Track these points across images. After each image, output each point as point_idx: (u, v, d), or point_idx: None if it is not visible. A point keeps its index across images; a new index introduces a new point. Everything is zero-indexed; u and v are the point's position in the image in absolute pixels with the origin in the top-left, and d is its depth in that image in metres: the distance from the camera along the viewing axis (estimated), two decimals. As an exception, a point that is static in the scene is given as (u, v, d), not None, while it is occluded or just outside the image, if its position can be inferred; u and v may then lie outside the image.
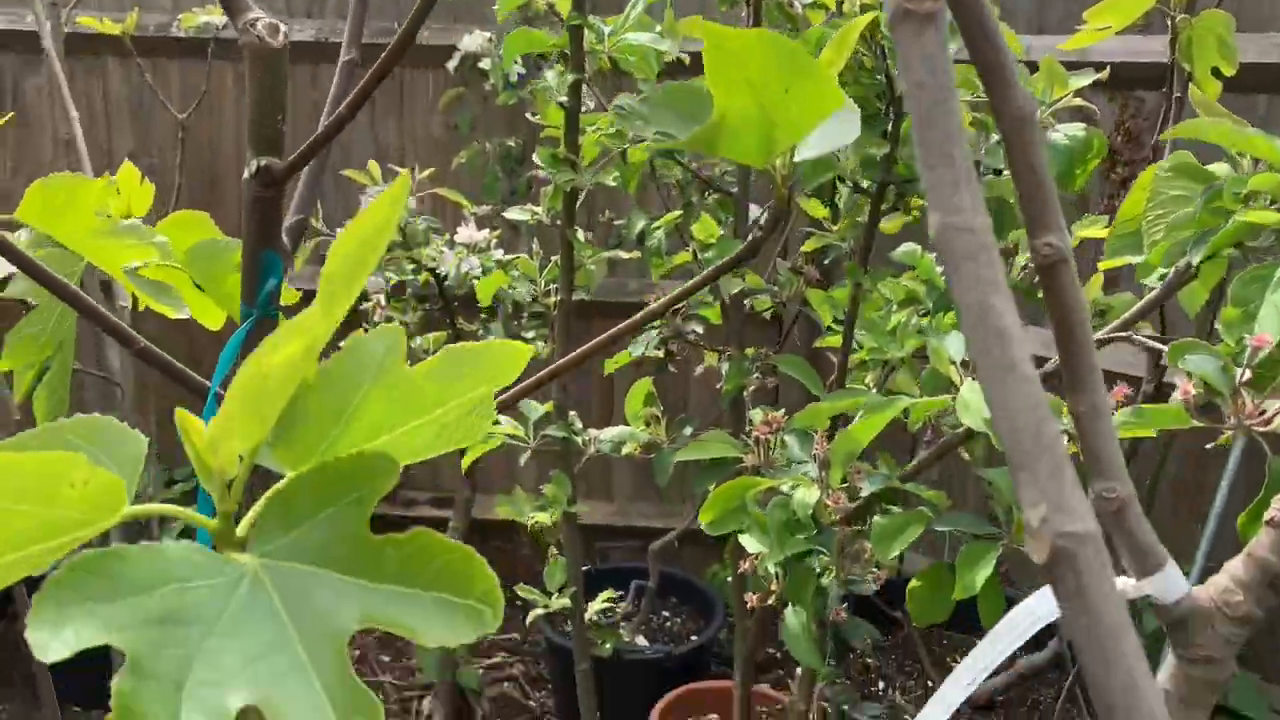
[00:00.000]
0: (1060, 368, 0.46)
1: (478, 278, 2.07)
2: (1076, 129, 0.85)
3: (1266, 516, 0.48)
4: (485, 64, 2.42)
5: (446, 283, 2.18)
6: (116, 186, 0.94)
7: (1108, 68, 1.14)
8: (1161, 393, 1.40)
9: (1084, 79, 0.94)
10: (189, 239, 0.86)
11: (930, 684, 2.42)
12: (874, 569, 0.83)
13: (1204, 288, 0.70)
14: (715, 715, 2.15)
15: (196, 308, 0.87)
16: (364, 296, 2.50)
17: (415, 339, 2.17)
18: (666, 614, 2.60)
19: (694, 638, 2.43)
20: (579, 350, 0.71)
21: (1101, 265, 0.86)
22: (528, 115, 1.28)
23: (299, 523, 0.35)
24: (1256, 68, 2.08)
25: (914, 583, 0.82)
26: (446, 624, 0.32)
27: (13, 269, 0.78)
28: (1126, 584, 0.50)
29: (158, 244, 0.80)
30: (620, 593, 2.62)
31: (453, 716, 2.50)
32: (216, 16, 2.44)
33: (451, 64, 2.54)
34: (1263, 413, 0.59)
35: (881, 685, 2.34)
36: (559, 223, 1.17)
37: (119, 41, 2.49)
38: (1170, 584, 0.49)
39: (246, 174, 0.76)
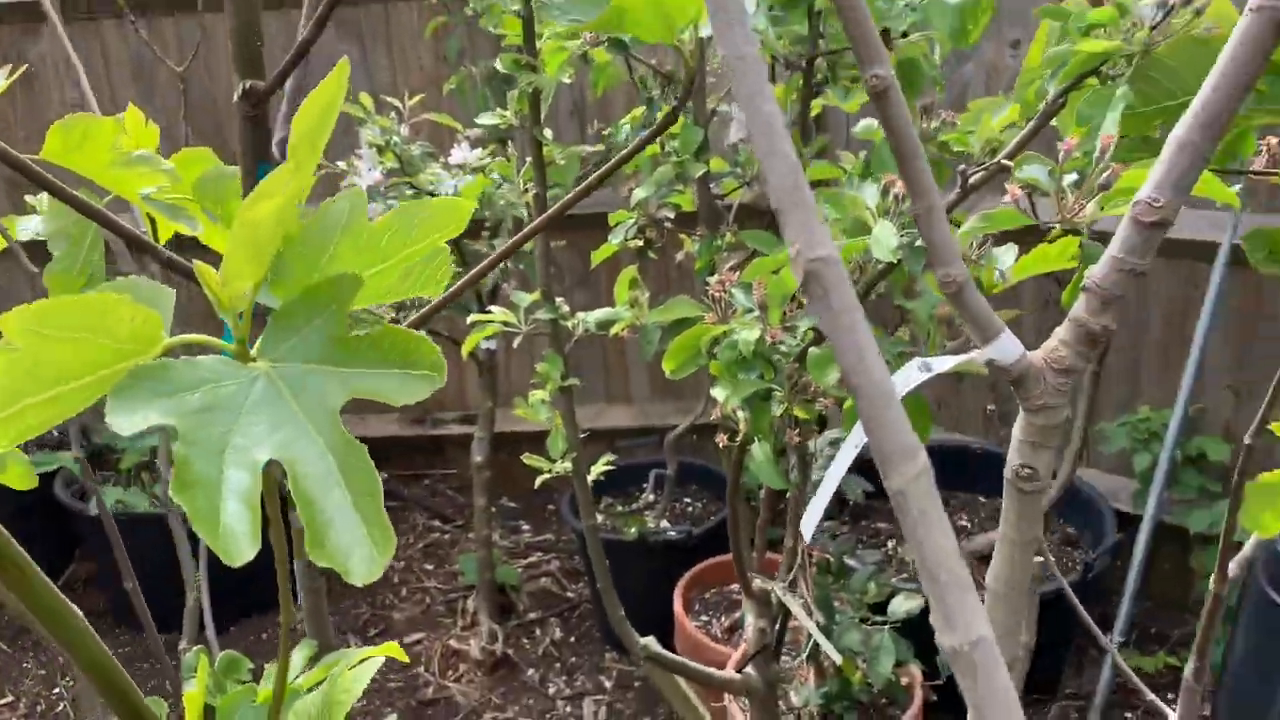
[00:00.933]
0: (901, 180, 0.56)
1: (481, 200, 2.17)
2: (965, -11, 0.94)
3: (1083, 285, 0.59)
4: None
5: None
6: (124, 128, 1.05)
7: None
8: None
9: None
10: (195, 173, 0.98)
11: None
12: (821, 398, 0.95)
13: (1071, 116, 0.79)
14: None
15: (207, 233, 0.99)
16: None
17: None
18: (688, 500, 2.75)
19: (713, 519, 2.58)
20: (557, 205, 0.80)
21: (1009, 111, 0.95)
22: (490, 29, 1.37)
23: (294, 334, 0.47)
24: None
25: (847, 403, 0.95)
26: (408, 388, 0.44)
27: (39, 232, 0.90)
28: (975, 354, 0.62)
29: (167, 170, 0.91)
30: (642, 486, 2.77)
31: (495, 611, 2.68)
32: (200, -32, 2.51)
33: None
34: (1083, 207, 0.69)
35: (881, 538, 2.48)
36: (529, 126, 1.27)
37: (112, 3, 2.58)
38: (1007, 348, 0.60)
39: (235, 96, 0.87)
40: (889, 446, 0.38)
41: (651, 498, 2.72)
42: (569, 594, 2.88)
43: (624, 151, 0.75)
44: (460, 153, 2.21)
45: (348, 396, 0.45)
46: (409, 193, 2.24)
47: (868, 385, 0.38)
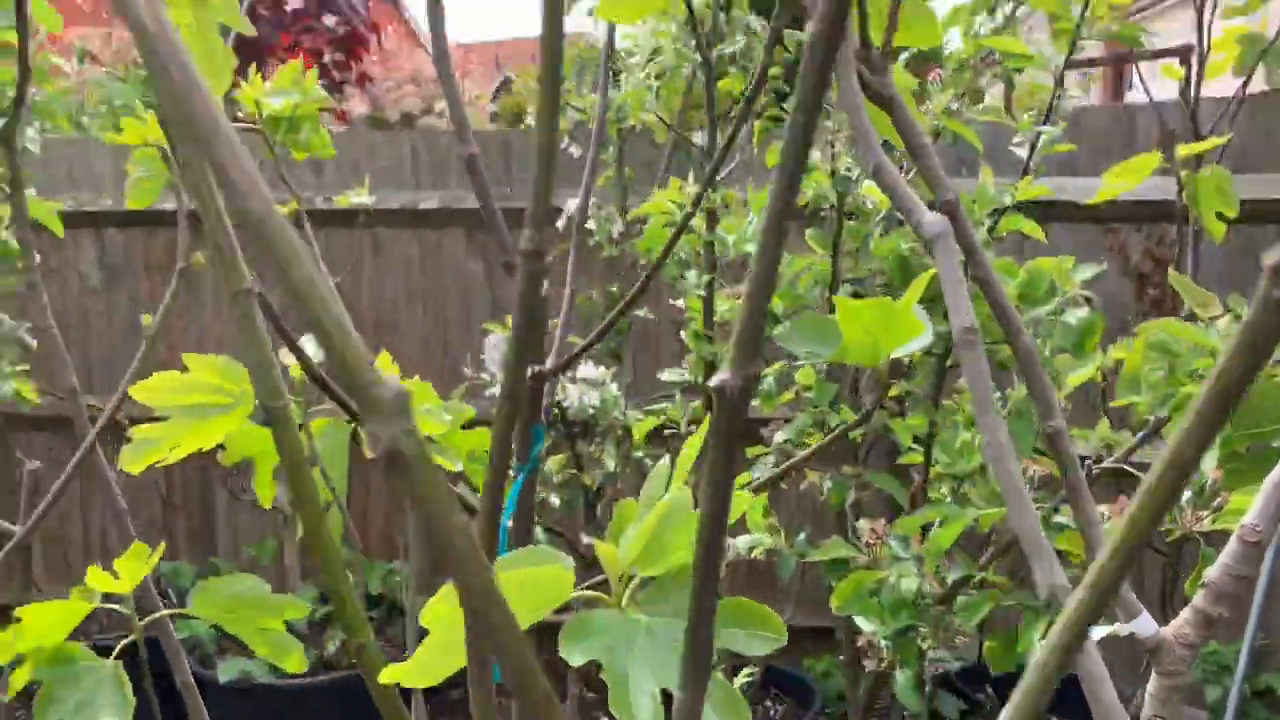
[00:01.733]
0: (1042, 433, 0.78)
1: (595, 408, 2.43)
2: (1082, 313, 1.18)
3: (1202, 581, 0.79)
4: (590, 224, 2.82)
5: (569, 414, 2.54)
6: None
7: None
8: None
9: (1087, 272, 1.26)
10: (459, 422, 1.23)
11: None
12: (960, 636, 1.13)
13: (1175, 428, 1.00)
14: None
15: (467, 469, 1.23)
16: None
17: (547, 460, 2.53)
18: (769, 703, 2.86)
19: (798, 724, 2.70)
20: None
21: (1113, 403, 1.17)
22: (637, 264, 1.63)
23: (665, 600, 0.69)
24: (1266, 204, 2.40)
25: (989, 642, 1.12)
26: (755, 644, 0.65)
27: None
28: (1119, 627, 0.82)
29: (447, 421, 1.16)
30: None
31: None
32: (364, 195, 2.88)
33: (559, 223, 2.95)
34: (1199, 520, 0.89)
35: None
36: (700, 379, 1.52)
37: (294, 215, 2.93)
38: (1146, 625, 0.80)
39: (522, 371, 1.11)
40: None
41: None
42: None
43: (802, 454, 0.98)
44: (586, 369, 2.48)
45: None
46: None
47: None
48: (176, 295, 1.26)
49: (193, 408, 1.08)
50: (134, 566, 1.03)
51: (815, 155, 1.42)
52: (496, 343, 2.83)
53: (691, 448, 0.70)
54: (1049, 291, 1.15)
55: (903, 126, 0.77)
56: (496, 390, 2.44)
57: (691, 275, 1.45)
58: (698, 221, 1.40)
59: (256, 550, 3.20)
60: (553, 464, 2.57)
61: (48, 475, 1.50)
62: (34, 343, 2.00)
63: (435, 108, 8.68)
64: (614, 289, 2.94)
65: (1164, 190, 2.37)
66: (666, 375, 1.67)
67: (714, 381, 0.68)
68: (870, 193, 1.42)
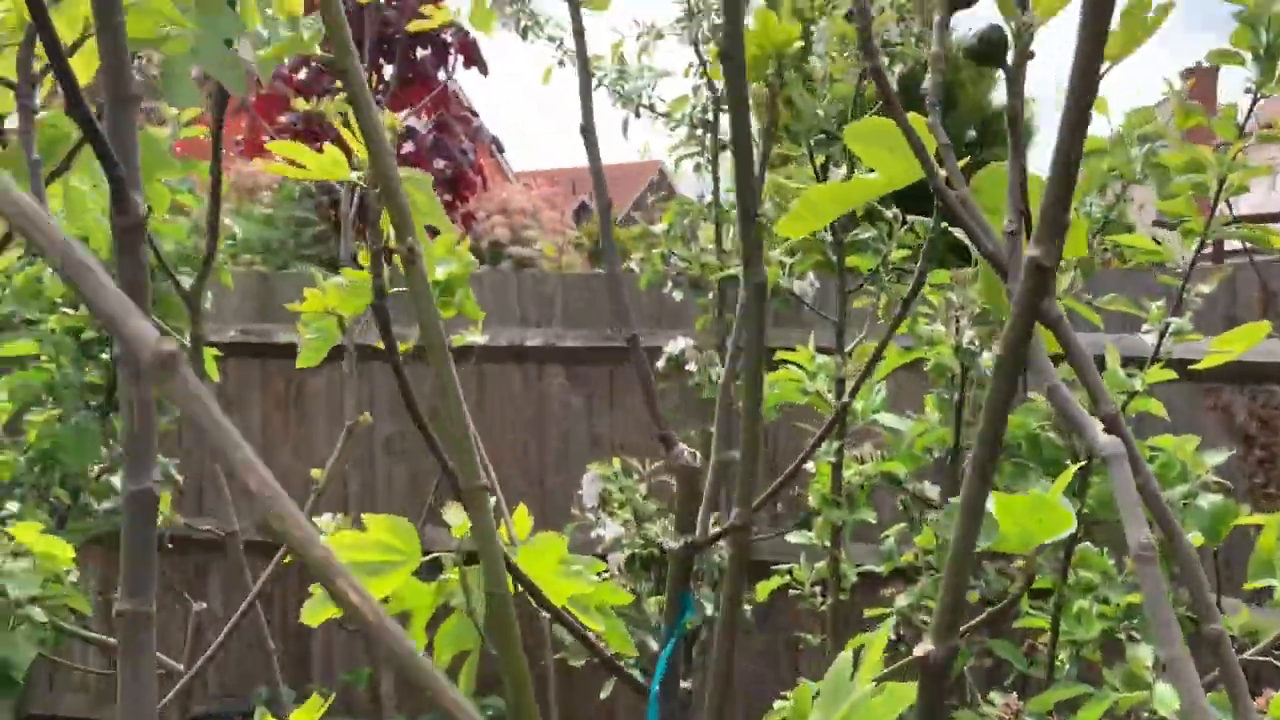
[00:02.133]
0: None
1: (694, 550, 2.47)
2: (1215, 498, 1.21)
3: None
4: (691, 366, 2.91)
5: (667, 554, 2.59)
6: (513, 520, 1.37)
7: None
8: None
9: (1219, 457, 1.30)
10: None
11: None
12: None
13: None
14: None
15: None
16: (602, 557, 2.94)
17: (648, 601, 2.57)
18: None
19: None
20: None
21: (1246, 586, 1.19)
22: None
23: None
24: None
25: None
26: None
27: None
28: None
29: (594, 582, 1.23)
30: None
31: None
32: (478, 335, 3.00)
33: (660, 363, 3.05)
34: None
35: None
36: (827, 545, 1.57)
37: (380, 350, 3.08)
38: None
39: (671, 545, 1.17)
40: None
41: None
42: None
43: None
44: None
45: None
46: (640, 543, 2.55)
47: None
48: (349, 451, 1.36)
49: (367, 564, 1.16)
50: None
51: (939, 327, 1.49)
52: (593, 479, 2.91)
53: (876, 648, 0.74)
54: (1180, 475, 1.20)
55: (1065, 343, 0.83)
56: (604, 532, 2.50)
57: (825, 445, 1.51)
58: (823, 383, 1.47)
59: (353, 678, 3.25)
60: (651, 605, 2.61)
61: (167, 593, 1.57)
62: (180, 478, 2.13)
63: (522, 235, 9.01)
64: (712, 430, 3.01)
65: (1267, 352, 2.39)
66: (794, 538, 1.72)
67: (918, 651, 0.74)
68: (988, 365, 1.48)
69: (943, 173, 0.89)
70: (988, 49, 0.78)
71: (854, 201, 0.95)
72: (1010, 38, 0.78)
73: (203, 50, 1.03)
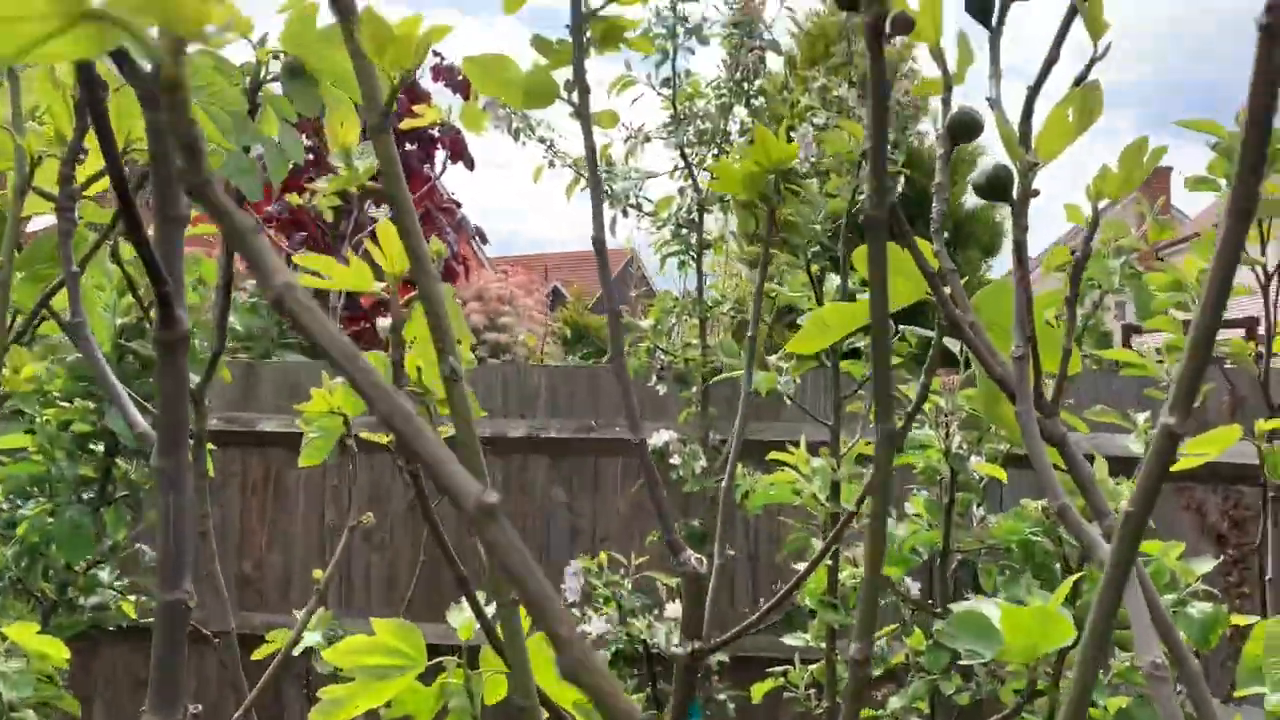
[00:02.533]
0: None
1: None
2: (1206, 607, 1.25)
3: None
4: (674, 459, 2.94)
5: (655, 652, 2.58)
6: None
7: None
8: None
9: (1206, 565, 1.34)
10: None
11: None
12: None
13: None
14: None
15: None
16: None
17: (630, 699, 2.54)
18: None
19: None
20: None
21: (1235, 694, 1.22)
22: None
23: None
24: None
25: None
26: None
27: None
28: None
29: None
30: None
31: None
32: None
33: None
34: None
35: None
36: (823, 645, 1.59)
37: (360, 441, 3.09)
38: None
39: (681, 650, 1.19)
40: None
41: None
42: None
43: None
44: (673, 608, 2.53)
45: None
46: (624, 637, 2.54)
47: None
48: (349, 546, 1.37)
49: (376, 669, 1.17)
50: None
51: (929, 431, 1.53)
52: (576, 570, 2.90)
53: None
54: (1170, 584, 1.23)
55: (1070, 462, 0.87)
56: (588, 628, 2.48)
57: (816, 543, 1.54)
58: (819, 488, 1.50)
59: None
60: (635, 701, 2.59)
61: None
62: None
63: (498, 322, 9.06)
64: (695, 523, 3.02)
65: (1238, 453, 2.46)
66: (789, 639, 1.73)
67: None
68: (980, 469, 1.52)
69: (947, 290, 0.94)
70: (995, 186, 0.84)
71: (861, 321, 0.99)
72: (1015, 177, 0.83)
73: (229, 159, 1.07)
